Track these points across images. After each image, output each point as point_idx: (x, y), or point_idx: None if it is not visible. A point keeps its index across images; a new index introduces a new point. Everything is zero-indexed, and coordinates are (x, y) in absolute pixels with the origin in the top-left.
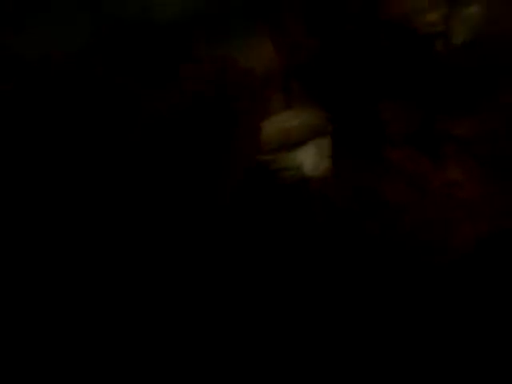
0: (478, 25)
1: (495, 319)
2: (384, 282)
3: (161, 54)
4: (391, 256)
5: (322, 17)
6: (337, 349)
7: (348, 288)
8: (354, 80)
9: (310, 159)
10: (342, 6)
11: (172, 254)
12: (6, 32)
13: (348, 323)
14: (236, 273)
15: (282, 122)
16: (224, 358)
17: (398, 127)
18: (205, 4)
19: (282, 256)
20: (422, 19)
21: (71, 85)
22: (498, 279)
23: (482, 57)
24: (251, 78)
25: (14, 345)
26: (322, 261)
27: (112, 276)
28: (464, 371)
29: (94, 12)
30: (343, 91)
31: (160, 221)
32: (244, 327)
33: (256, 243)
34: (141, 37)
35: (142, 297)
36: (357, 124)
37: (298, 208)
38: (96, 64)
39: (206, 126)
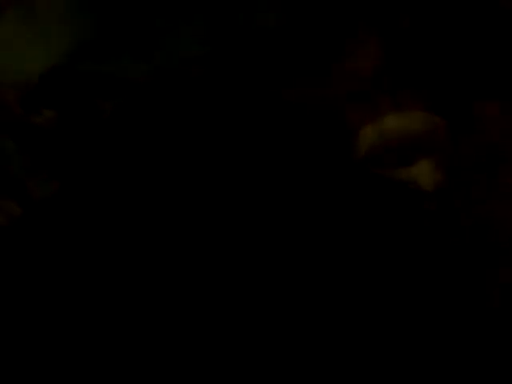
0: None
1: None
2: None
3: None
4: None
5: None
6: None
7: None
8: (471, 80)
9: (425, 172)
10: None
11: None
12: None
13: None
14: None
15: (387, 125)
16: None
17: None
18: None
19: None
20: None
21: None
22: None
23: None
24: (358, 78)
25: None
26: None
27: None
28: None
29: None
30: (458, 93)
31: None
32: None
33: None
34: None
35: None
36: (475, 133)
37: (410, 223)
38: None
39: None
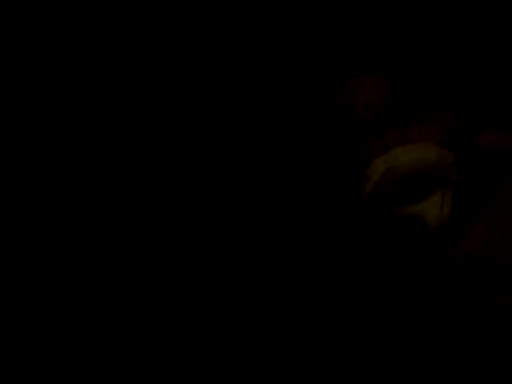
0: None
1: None
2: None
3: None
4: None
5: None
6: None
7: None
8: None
9: (433, 207)
10: None
11: None
12: None
13: None
14: None
15: (398, 157)
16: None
17: None
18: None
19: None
20: None
21: None
22: None
23: None
24: (368, 111)
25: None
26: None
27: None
28: None
29: None
30: (464, 126)
31: None
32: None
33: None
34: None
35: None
36: (484, 169)
37: (416, 259)
38: None
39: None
